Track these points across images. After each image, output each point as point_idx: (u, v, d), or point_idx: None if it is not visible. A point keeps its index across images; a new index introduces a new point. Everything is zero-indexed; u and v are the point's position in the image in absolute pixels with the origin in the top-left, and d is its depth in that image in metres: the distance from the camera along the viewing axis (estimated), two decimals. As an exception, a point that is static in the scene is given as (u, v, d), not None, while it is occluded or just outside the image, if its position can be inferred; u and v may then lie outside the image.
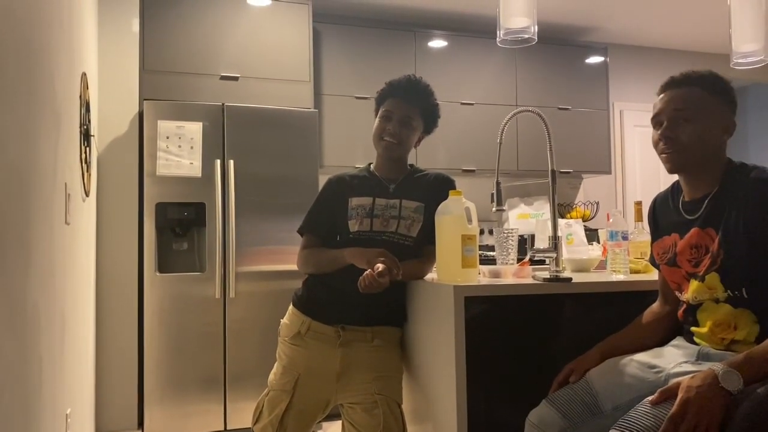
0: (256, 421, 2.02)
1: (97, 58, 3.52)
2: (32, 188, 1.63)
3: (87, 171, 2.83)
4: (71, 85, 2.42)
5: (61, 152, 2.13)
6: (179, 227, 3.52)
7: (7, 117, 1.35)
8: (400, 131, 2.04)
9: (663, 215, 1.73)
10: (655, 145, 1.63)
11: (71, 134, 2.40)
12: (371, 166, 2.15)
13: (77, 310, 2.61)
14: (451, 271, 1.86)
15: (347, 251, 1.94)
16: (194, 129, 3.50)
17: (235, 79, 3.81)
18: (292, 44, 3.96)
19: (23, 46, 1.53)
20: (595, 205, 4.99)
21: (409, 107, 2.05)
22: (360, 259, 1.89)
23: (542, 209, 4.73)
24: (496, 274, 2.03)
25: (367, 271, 1.80)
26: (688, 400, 1.28)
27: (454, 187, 2.03)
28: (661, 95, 1.64)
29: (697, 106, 1.57)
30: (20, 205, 1.48)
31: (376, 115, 2.11)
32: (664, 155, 1.61)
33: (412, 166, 2.16)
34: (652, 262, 1.78)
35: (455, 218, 1.88)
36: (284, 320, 2.09)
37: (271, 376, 2.05)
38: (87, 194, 2.88)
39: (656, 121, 1.64)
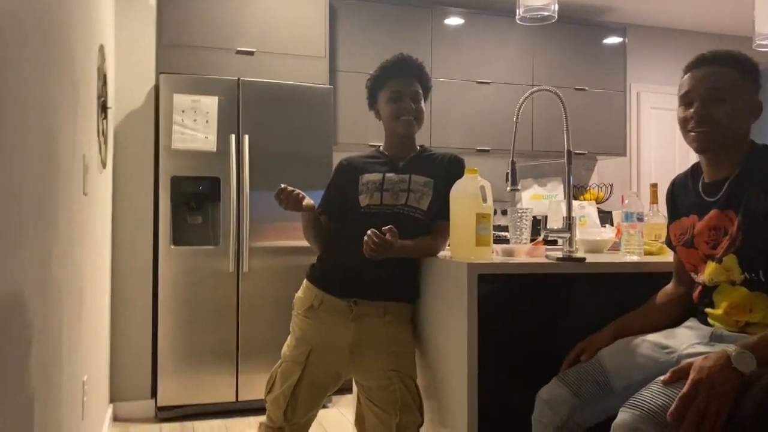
0: (268, 391, 2.05)
1: (115, 31, 3.52)
2: (53, 158, 1.65)
3: (104, 143, 2.85)
4: (89, 57, 2.42)
5: (80, 124, 2.15)
6: (194, 201, 3.55)
7: (29, 88, 1.36)
8: (415, 106, 2.08)
9: (682, 196, 1.72)
10: (683, 123, 1.61)
11: (89, 106, 2.41)
12: (381, 147, 2.20)
13: (95, 280, 2.65)
14: (464, 248, 1.87)
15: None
16: (210, 103, 3.51)
17: (251, 53, 3.80)
18: (308, 19, 3.93)
19: (44, 17, 1.54)
20: (609, 188, 4.97)
21: (413, 82, 2.10)
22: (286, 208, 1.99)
23: (556, 190, 4.71)
24: (509, 253, 2.03)
25: (370, 231, 1.82)
26: (700, 380, 1.29)
27: (463, 167, 2.05)
28: (690, 73, 1.61)
29: (730, 86, 1.55)
30: (41, 174, 1.50)
31: (374, 101, 2.15)
32: (693, 134, 1.58)
33: (422, 146, 2.20)
34: (669, 243, 1.77)
35: (470, 196, 1.88)
36: (298, 294, 2.12)
37: (285, 348, 2.08)
38: (104, 166, 2.91)
39: (686, 100, 1.61)
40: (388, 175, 2.06)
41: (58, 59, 1.73)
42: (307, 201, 2.00)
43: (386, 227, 1.84)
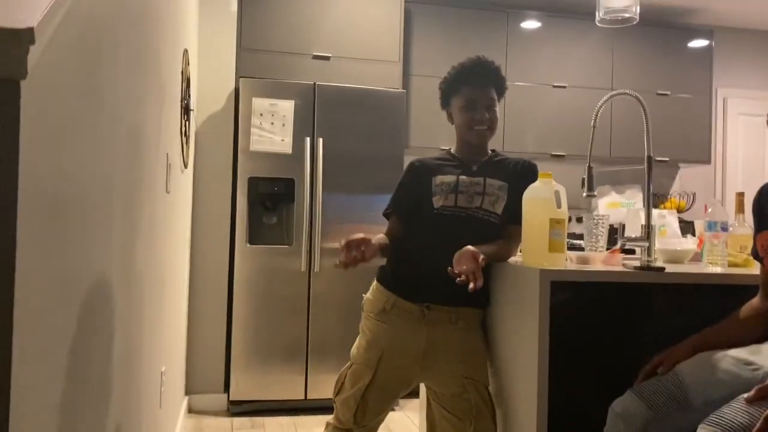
0: (337, 392, 2.04)
1: (197, 36, 3.66)
2: (139, 156, 1.73)
3: (186, 144, 2.97)
4: (174, 60, 2.53)
5: (164, 124, 2.25)
6: (269, 201, 3.65)
7: (121, 87, 1.44)
8: (490, 116, 2.04)
9: (770, 206, 1.64)
10: None
11: (173, 107, 2.52)
12: (451, 149, 2.17)
13: (174, 275, 2.76)
14: (537, 254, 1.84)
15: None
16: (286, 107, 3.60)
17: (327, 58, 3.87)
18: (383, 24, 3.97)
19: (136, 21, 1.62)
20: (692, 196, 4.77)
21: (488, 89, 2.05)
22: None
23: (634, 198, 4.56)
24: (584, 261, 1.98)
25: (459, 261, 1.78)
26: (787, 399, 1.22)
27: (536, 172, 2.01)
28: None
29: None
30: (130, 172, 1.58)
31: (446, 103, 2.12)
32: None
33: (494, 151, 2.16)
34: (755, 254, 1.69)
35: (544, 201, 1.85)
36: (368, 295, 2.10)
37: (354, 350, 2.06)
38: (185, 166, 3.03)
39: None
40: (462, 177, 2.03)
41: (146, 62, 1.82)
42: (372, 249, 1.92)
43: (470, 253, 1.78)
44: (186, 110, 2.92)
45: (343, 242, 1.86)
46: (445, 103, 2.14)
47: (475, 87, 2.03)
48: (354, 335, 2.13)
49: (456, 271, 1.76)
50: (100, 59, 1.21)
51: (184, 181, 3.08)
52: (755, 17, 4.96)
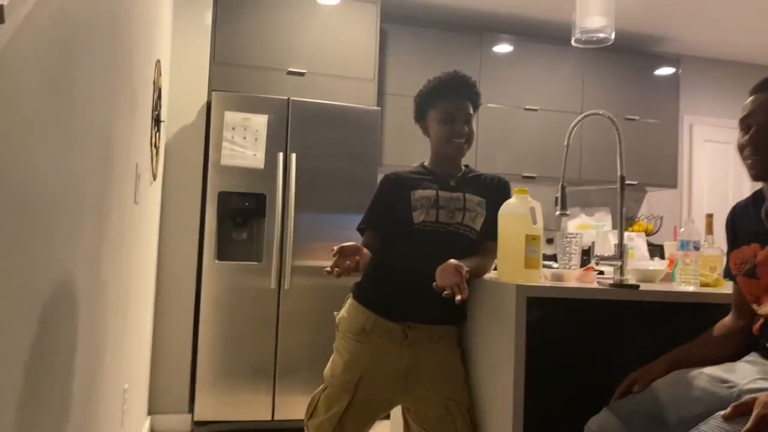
0: (310, 416, 1.95)
1: (171, 47, 3.62)
2: (110, 164, 1.68)
3: (156, 155, 2.91)
4: (147, 70, 2.49)
5: (135, 134, 2.20)
6: (240, 217, 3.59)
7: (94, 96, 1.39)
8: (468, 130, 2.02)
9: (743, 224, 1.65)
10: (740, 149, 1.57)
11: (144, 118, 2.47)
12: (425, 163, 2.12)
13: (140, 289, 2.68)
14: (513, 270, 1.83)
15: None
16: (260, 121, 3.56)
17: (302, 74, 3.85)
18: (359, 43, 3.98)
19: (110, 28, 1.59)
20: (659, 220, 4.85)
21: (466, 103, 2.03)
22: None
23: (603, 221, 4.62)
24: (558, 278, 1.98)
25: (443, 276, 1.75)
26: (764, 416, 1.22)
27: (510, 189, 2.02)
28: (752, 96, 1.57)
29: None
30: (100, 179, 1.53)
31: (422, 116, 2.08)
32: (748, 161, 1.54)
33: (467, 166, 2.14)
34: (727, 273, 1.70)
35: (520, 217, 1.84)
36: (343, 314, 2.02)
37: (328, 372, 1.97)
38: (154, 177, 2.96)
39: (744, 124, 1.57)
40: (442, 192, 1.99)
41: (119, 70, 1.78)
42: (365, 260, 1.79)
43: (454, 266, 1.75)
44: (157, 121, 2.86)
45: (335, 249, 1.76)
46: (420, 116, 2.10)
47: (453, 100, 2.01)
48: (325, 354, 2.05)
49: (440, 285, 1.73)
50: (73, 58, 1.17)
51: (152, 193, 3.02)
52: (720, 48, 5.11)
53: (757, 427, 1.21)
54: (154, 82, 2.72)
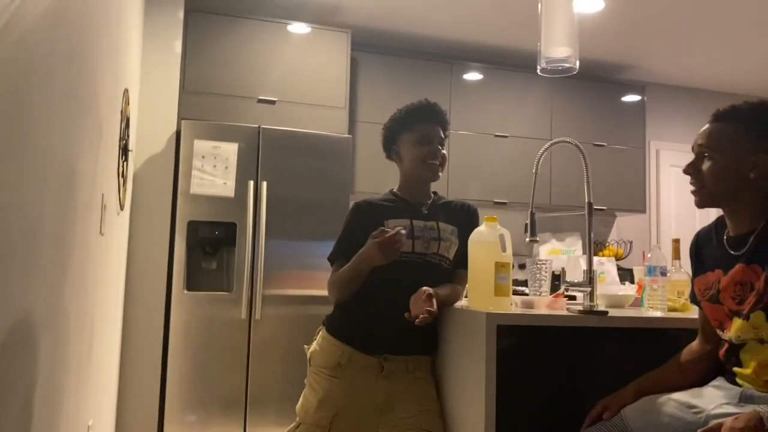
0: None
1: (140, 76, 3.60)
2: (72, 195, 1.65)
3: (123, 185, 2.87)
4: (114, 100, 2.47)
5: (101, 164, 2.17)
6: (209, 246, 3.54)
7: (55, 125, 1.37)
8: (442, 153, 2.03)
9: (706, 250, 1.68)
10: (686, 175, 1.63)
11: (111, 147, 2.44)
12: (394, 190, 2.10)
13: (105, 322, 2.62)
14: (483, 298, 1.83)
15: (354, 260, 1.87)
16: (230, 150, 3.54)
17: (273, 102, 3.86)
18: (330, 71, 4.01)
19: (73, 57, 1.57)
20: (629, 244, 4.91)
21: (438, 128, 2.05)
22: (367, 260, 1.84)
23: (574, 246, 4.66)
24: (528, 305, 1.98)
25: (415, 304, 1.76)
26: (731, 442, 1.22)
27: (478, 217, 2.03)
28: (705, 126, 1.62)
29: (717, 143, 1.56)
30: (61, 210, 1.50)
31: (393, 141, 2.07)
32: (692, 189, 1.61)
33: (435, 192, 2.12)
34: (693, 298, 1.72)
35: (489, 245, 1.85)
36: (315, 347, 1.97)
37: (301, 408, 1.92)
38: (122, 207, 2.92)
39: (693, 152, 1.63)
40: (416, 221, 1.97)
41: (83, 100, 1.76)
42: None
43: (425, 296, 1.76)
44: (124, 151, 2.83)
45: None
46: (391, 142, 2.07)
47: (428, 123, 2.03)
48: (297, 386, 2.01)
49: (412, 314, 1.74)
50: (31, 88, 1.16)
51: (120, 223, 2.97)
52: (684, 75, 5.25)
53: (724, 452, 1.21)
54: (122, 112, 2.69)
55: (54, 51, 1.34)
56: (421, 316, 1.71)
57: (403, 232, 1.83)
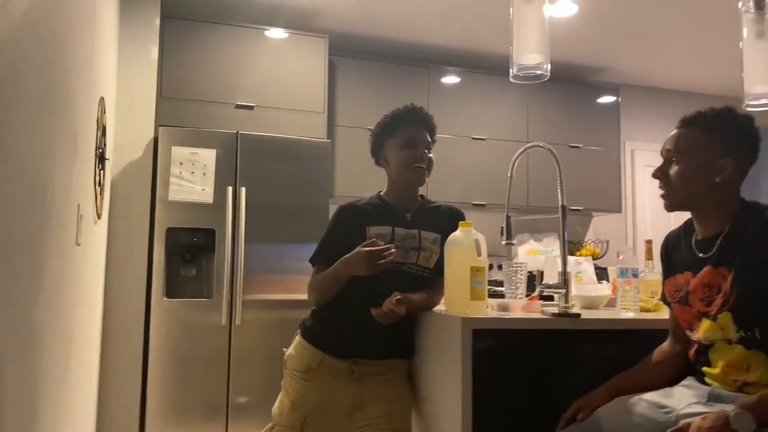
0: None
1: (116, 83, 3.58)
2: (46, 207, 1.64)
3: (100, 194, 2.86)
4: (89, 108, 2.46)
5: (76, 174, 2.16)
6: (188, 253, 3.54)
7: (27, 134, 1.37)
8: (428, 156, 2.05)
9: (675, 253, 1.72)
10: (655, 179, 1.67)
11: (87, 156, 2.43)
12: (381, 193, 2.11)
13: (84, 332, 2.61)
14: (459, 302, 1.85)
15: (338, 264, 1.90)
16: (208, 156, 3.54)
17: (251, 108, 3.86)
18: (307, 76, 4.01)
19: (46, 67, 1.57)
20: (605, 244, 4.97)
21: (424, 131, 2.06)
22: (351, 267, 1.86)
23: (552, 246, 4.71)
24: (504, 308, 2.01)
25: (385, 303, 1.80)
26: (698, 441, 1.25)
27: (465, 221, 2.02)
28: (674, 130, 1.66)
29: (685, 147, 1.60)
30: (34, 223, 1.49)
31: (380, 146, 2.08)
32: (661, 192, 1.66)
33: (422, 197, 2.14)
34: (664, 300, 1.76)
35: (465, 249, 1.87)
36: (290, 351, 2.01)
37: (276, 410, 1.97)
38: (99, 216, 2.90)
39: (662, 156, 1.67)
40: (398, 229, 1.98)
41: (57, 110, 1.75)
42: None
43: (396, 299, 1.80)
44: (101, 159, 2.82)
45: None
46: (378, 147, 2.08)
47: (414, 128, 2.04)
48: (277, 391, 2.04)
49: (377, 313, 1.79)
50: (3, 99, 1.16)
51: (97, 233, 2.95)
52: (657, 76, 5.34)
53: (692, 451, 1.25)
54: (97, 120, 2.68)
55: (26, 61, 1.34)
56: (379, 310, 1.77)
57: (393, 250, 1.85)
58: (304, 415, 1.90)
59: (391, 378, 1.94)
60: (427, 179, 2.06)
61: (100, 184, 2.82)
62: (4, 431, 1.31)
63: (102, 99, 2.81)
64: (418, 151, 2.01)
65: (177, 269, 3.54)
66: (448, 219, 2.05)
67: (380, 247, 1.82)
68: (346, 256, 1.88)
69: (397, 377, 1.95)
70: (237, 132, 3.64)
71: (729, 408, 1.29)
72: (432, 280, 2.01)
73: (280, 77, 3.96)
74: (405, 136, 2.02)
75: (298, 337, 2.02)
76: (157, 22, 3.70)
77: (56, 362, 1.93)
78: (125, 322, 3.51)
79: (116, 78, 3.58)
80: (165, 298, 3.42)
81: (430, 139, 2.07)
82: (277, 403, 1.98)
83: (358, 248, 1.85)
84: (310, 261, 2.06)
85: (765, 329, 1.45)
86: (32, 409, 1.60)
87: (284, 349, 2.07)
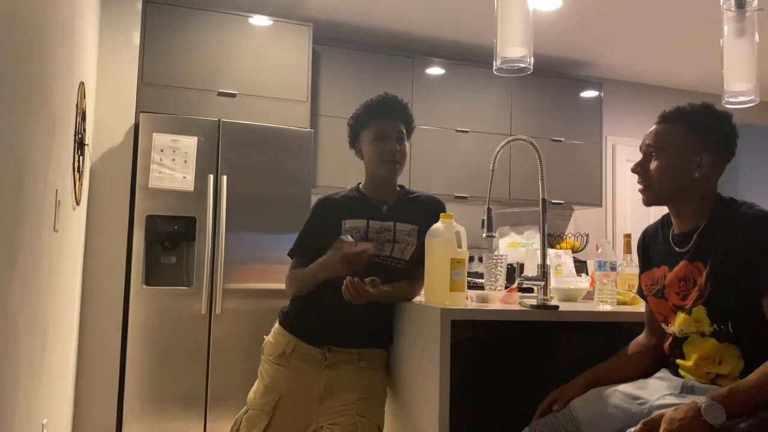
0: None
1: (97, 68, 3.53)
2: (22, 192, 1.62)
3: (79, 180, 2.82)
4: (69, 93, 2.42)
5: (54, 159, 2.13)
6: (168, 240, 3.51)
7: (2, 115, 1.35)
8: (401, 149, 2.03)
9: (653, 247, 1.74)
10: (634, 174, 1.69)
11: (65, 142, 2.40)
12: (360, 185, 2.11)
13: (61, 319, 2.58)
14: (438, 294, 1.86)
15: (315, 266, 1.91)
16: (189, 143, 3.51)
17: (233, 96, 3.83)
18: (291, 64, 3.99)
19: (23, 50, 1.54)
20: (585, 237, 5.01)
21: (397, 122, 2.05)
22: (327, 270, 1.87)
23: (533, 239, 4.74)
24: (483, 299, 2.02)
25: (348, 279, 1.80)
26: (670, 431, 1.27)
27: (444, 210, 2.02)
28: (653, 126, 1.67)
29: (664, 143, 1.61)
30: (8, 209, 1.47)
31: (356, 139, 2.09)
32: (639, 187, 1.67)
33: (402, 187, 2.14)
34: (640, 293, 1.78)
35: (445, 241, 1.88)
36: (269, 338, 2.05)
37: (251, 395, 2.01)
38: (78, 203, 2.87)
39: (641, 151, 1.68)
40: (372, 222, 1.99)
41: (35, 93, 1.73)
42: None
43: (369, 279, 1.81)
44: (80, 145, 2.78)
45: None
46: (354, 139, 2.10)
47: (384, 119, 2.03)
48: (255, 381, 2.06)
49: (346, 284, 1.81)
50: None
51: (75, 219, 2.92)
52: (639, 72, 5.38)
53: (664, 442, 1.27)
54: (77, 105, 2.65)
55: (1, 45, 1.32)
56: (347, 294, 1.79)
57: (369, 247, 1.85)
58: (276, 399, 1.94)
59: (364, 366, 1.95)
60: (399, 172, 2.06)
61: (79, 170, 2.79)
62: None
63: (82, 84, 2.77)
64: (388, 145, 2.00)
65: (157, 257, 3.51)
66: (426, 209, 2.05)
67: (353, 251, 1.81)
68: (323, 258, 1.89)
69: (371, 366, 1.97)
70: (219, 120, 3.61)
71: (701, 400, 1.31)
72: (410, 271, 2.02)
73: (264, 65, 3.93)
74: (375, 128, 2.02)
75: (276, 325, 2.06)
76: (140, 6, 3.65)
77: (32, 348, 1.91)
78: (104, 309, 3.48)
79: (97, 63, 3.54)
80: (144, 286, 3.40)
81: (404, 130, 2.06)
82: (253, 388, 2.03)
83: (332, 253, 1.86)
84: (289, 254, 2.09)
85: (737, 323, 1.47)
86: (8, 391, 1.58)
87: (265, 337, 2.09)
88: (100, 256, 3.50)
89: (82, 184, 2.96)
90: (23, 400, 1.82)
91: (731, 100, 2.45)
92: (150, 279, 3.44)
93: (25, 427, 1.88)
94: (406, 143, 2.07)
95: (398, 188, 2.12)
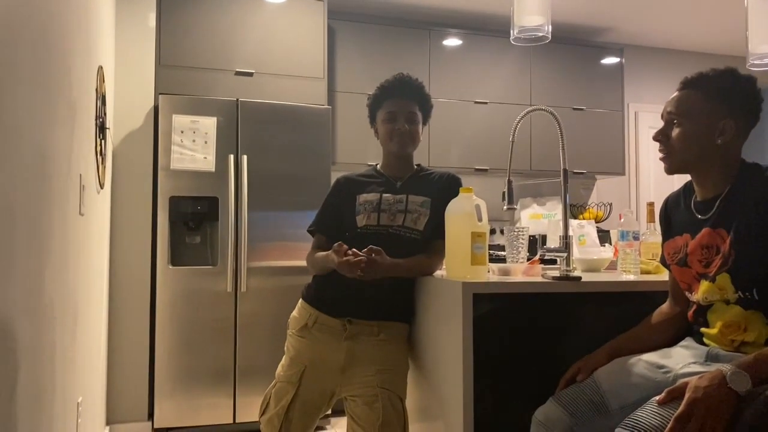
0: (262, 413, 2.04)
1: (114, 52, 3.55)
2: (47, 179, 1.65)
3: (102, 163, 2.86)
4: (88, 78, 2.44)
5: (76, 144, 2.16)
6: (192, 221, 3.55)
7: (23, 107, 1.37)
8: (410, 127, 2.09)
9: (675, 215, 1.72)
10: (655, 141, 1.66)
11: (87, 126, 2.43)
12: (378, 166, 2.20)
13: (90, 301, 2.64)
14: (460, 267, 1.87)
15: (325, 257, 1.98)
16: (208, 124, 3.53)
17: (250, 74, 3.83)
18: (306, 41, 3.97)
19: (40, 38, 1.56)
20: (608, 207, 4.97)
21: (409, 102, 2.11)
22: (332, 266, 1.93)
23: (555, 210, 4.71)
24: (505, 272, 2.03)
25: (351, 253, 1.87)
26: (695, 400, 1.27)
27: (460, 185, 2.05)
28: (675, 93, 1.64)
29: (686, 110, 1.59)
30: (35, 195, 1.50)
31: (373, 120, 2.18)
32: (661, 155, 1.64)
33: (419, 165, 2.20)
34: (663, 262, 1.77)
35: (465, 215, 1.88)
36: (293, 313, 2.12)
37: (279, 368, 2.07)
38: (101, 186, 2.91)
39: (662, 118, 1.66)
40: (385, 195, 2.06)
41: (54, 80, 1.75)
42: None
43: (366, 248, 1.86)
44: (101, 129, 2.81)
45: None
46: (372, 119, 2.19)
47: (396, 100, 2.09)
48: (282, 356, 2.11)
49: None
50: (-1, 77, 1.15)
51: (100, 203, 2.96)
52: (660, 37, 5.26)
53: (689, 410, 1.27)
54: (96, 90, 2.67)
55: (20, 32, 1.33)
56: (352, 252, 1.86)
57: (372, 255, 1.89)
58: (301, 370, 2.00)
59: (384, 339, 1.99)
60: (412, 149, 2.12)
61: (101, 153, 2.83)
62: (18, 394, 1.35)
63: (100, 68, 2.79)
64: (397, 125, 2.08)
65: (181, 237, 3.56)
66: (440, 182, 2.11)
67: (346, 260, 1.87)
68: (327, 255, 1.95)
69: (391, 338, 2.00)
70: (237, 99, 3.62)
71: (726, 367, 1.31)
72: (427, 244, 2.04)
73: (279, 43, 3.91)
74: (387, 109, 2.10)
75: (300, 300, 2.12)
76: (154, -12, 3.64)
77: (64, 330, 1.96)
78: (131, 291, 3.55)
79: (114, 46, 3.55)
80: (170, 266, 3.45)
81: (417, 110, 2.11)
82: (281, 362, 2.08)
83: (333, 254, 1.92)
84: (308, 231, 2.19)
85: (762, 290, 1.46)
86: (44, 373, 1.63)
87: (292, 313, 2.14)
88: (126, 238, 3.56)
89: (105, 168, 3.00)
90: (60, 379, 1.88)
91: (756, 62, 2.39)
92: (175, 259, 3.50)
93: (62, 404, 1.94)
94: (420, 123, 2.12)
95: (416, 166, 2.18)
